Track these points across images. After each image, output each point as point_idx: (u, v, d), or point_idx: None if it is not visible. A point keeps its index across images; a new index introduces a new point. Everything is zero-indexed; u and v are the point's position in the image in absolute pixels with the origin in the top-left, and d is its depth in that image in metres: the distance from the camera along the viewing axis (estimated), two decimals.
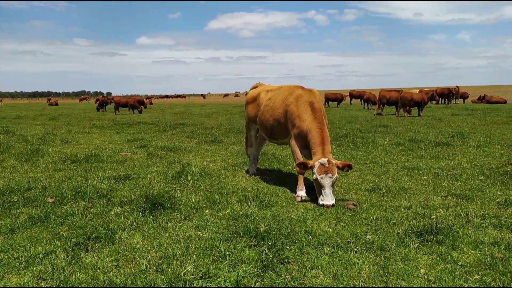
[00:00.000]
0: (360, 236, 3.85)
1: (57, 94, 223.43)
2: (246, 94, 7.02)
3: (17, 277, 3.18)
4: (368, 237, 3.82)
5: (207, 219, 4.41)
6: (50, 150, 9.79)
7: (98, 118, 23.21)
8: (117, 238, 3.93)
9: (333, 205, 4.81)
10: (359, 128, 14.08)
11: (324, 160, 4.91)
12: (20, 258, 3.48)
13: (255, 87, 6.98)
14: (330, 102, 34.91)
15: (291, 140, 5.57)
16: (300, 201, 5.12)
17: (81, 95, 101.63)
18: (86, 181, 6.29)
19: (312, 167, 4.97)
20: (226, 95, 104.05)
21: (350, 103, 37.21)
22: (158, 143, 10.96)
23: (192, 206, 4.86)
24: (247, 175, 6.67)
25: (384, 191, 5.50)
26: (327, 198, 4.82)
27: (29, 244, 3.79)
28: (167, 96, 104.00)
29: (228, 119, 20.46)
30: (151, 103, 44.95)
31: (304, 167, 5.02)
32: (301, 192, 5.25)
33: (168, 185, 5.94)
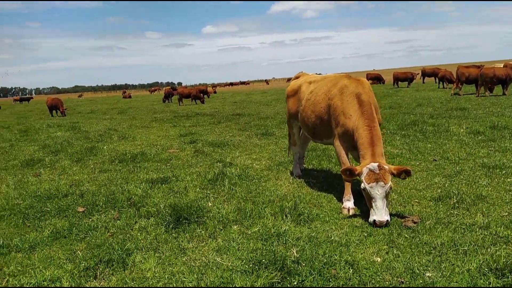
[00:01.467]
0: (417, 272, 2.98)
1: (133, 87, 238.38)
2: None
3: None
4: (428, 274, 2.94)
5: (233, 239, 3.83)
6: (105, 147, 9.92)
7: (162, 110, 23.80)
8: (130, 261, 3.52)
9: (387, 223, 3.93)
10: (430, 113, 12.52)
11: (374, 165, 4.03)
12: (25, 286, 3.22)
13: (297, 77, 6.15)
14: (399, 82, 32.38)
15: (335, 140, 4.71)
16: (347, 215, 4.32)
17: (153, 87, 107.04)
18: (125, 184, 6.08)
19: (359, 174, 4.11)
20: (289, 80, 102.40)
21: (423, 82, 34.13)
22: (209, 137, 10.64)
23: (220, 220, 4.31)
24: (291, 177, 5.96)
25: (455, 200, 4.46)
26: (379, 213, 3.95)
27: (41, 267, 3.53)
28: (231, 84, 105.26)
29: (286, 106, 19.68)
30: (215, 92, 45.43)
31: (350, 174, 4.16)
32: (348, 204, 4.44)
33: (203, 191, 5.48)
